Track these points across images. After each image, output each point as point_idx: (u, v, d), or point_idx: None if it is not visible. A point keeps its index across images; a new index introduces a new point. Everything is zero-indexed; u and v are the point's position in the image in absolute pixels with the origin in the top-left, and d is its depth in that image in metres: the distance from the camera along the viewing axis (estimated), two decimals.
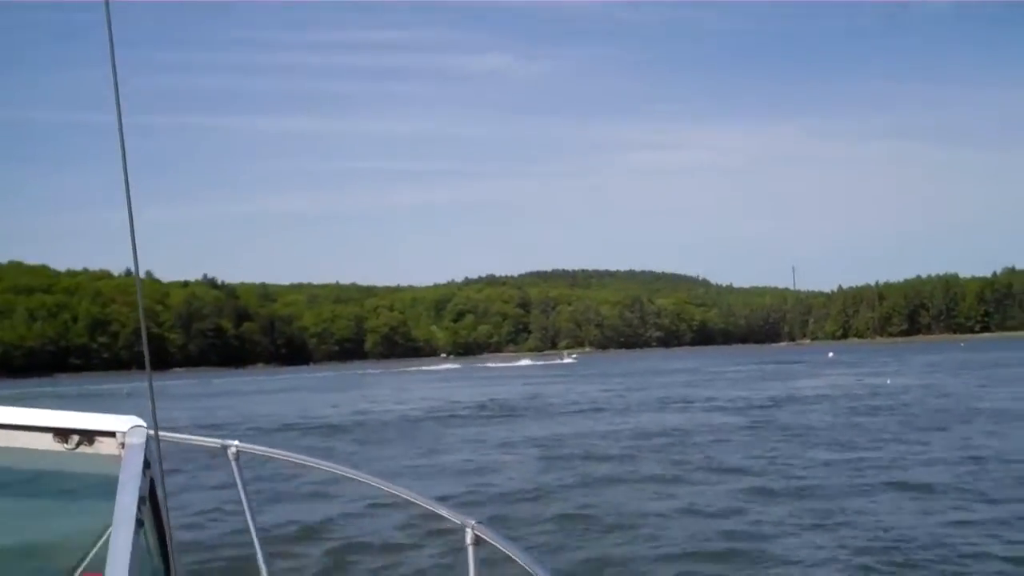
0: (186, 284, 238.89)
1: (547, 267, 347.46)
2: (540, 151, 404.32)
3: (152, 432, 2.43)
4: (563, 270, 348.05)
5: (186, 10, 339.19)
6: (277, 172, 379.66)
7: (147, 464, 2.72)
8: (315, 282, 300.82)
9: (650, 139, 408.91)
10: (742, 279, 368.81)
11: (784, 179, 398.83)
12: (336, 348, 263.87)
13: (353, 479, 3.92)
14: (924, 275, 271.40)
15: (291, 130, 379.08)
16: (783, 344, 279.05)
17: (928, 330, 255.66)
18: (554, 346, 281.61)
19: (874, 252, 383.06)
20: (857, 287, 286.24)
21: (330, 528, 15.49)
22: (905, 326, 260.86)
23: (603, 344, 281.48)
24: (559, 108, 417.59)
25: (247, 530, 3.68)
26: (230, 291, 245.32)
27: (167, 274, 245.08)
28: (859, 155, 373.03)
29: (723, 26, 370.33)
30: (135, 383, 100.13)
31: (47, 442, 2.76)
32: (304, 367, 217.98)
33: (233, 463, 3.74)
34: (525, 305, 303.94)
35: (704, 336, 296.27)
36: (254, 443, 3.75)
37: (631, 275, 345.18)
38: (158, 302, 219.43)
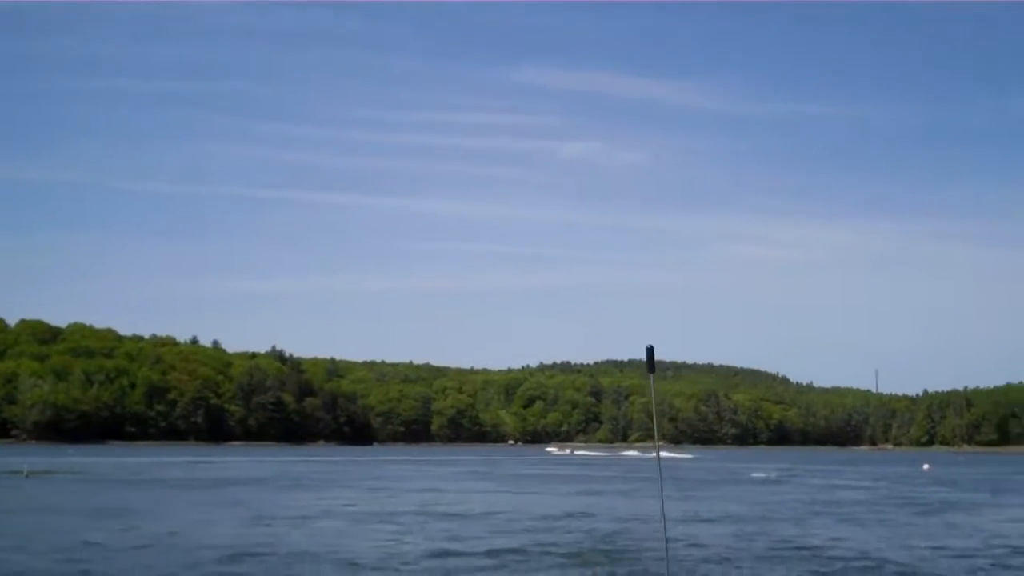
0: (253, 356, 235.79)
1: (623, 356, 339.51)
2: (629, 240, 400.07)
3: None
4: (639, 360, 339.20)
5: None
6: (369, 250, 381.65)
7: None
8: (388, 360, 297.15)
9: (739, 232, 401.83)
10: (823, 379, 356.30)
11: (870, 280, 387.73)
12: (401, 429, 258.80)
13: None
14: (1014, 382, 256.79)
15: (374, 207, 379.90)
16: (864, 448, 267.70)
17: (1019, 440, 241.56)
18: (624, 438, 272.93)
19: (959, 357, 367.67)
20: (943, 392, 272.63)
21: None
22: (995, 435, 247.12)
23: (676, 439, 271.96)
24: (650, 198, 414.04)
25: None
26: (295, 364, 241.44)
27: (234, 345, 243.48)
28: (948, 258, 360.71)
29: (831, 120, 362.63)
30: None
31: None
32: (367, 447, 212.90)
33: None
34: (597, 394, 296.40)
35: (781, 435, 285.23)
36: None
37: (708, 368, 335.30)
38: (220, 372, 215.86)
